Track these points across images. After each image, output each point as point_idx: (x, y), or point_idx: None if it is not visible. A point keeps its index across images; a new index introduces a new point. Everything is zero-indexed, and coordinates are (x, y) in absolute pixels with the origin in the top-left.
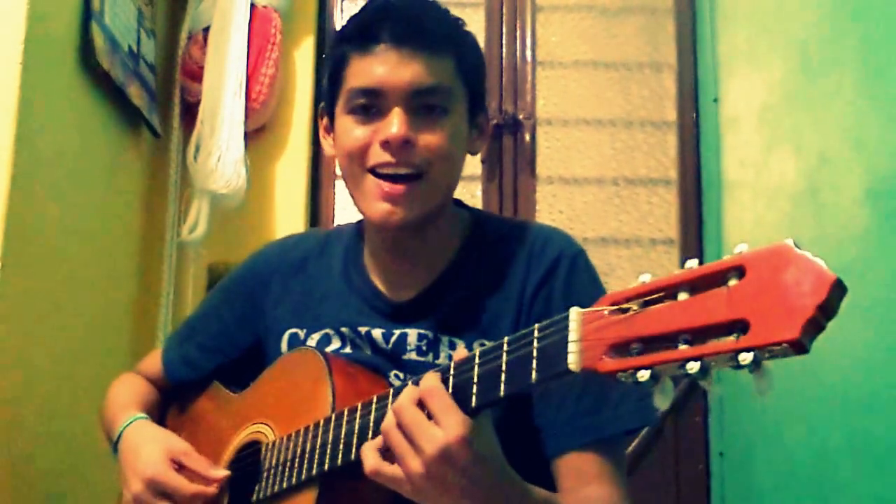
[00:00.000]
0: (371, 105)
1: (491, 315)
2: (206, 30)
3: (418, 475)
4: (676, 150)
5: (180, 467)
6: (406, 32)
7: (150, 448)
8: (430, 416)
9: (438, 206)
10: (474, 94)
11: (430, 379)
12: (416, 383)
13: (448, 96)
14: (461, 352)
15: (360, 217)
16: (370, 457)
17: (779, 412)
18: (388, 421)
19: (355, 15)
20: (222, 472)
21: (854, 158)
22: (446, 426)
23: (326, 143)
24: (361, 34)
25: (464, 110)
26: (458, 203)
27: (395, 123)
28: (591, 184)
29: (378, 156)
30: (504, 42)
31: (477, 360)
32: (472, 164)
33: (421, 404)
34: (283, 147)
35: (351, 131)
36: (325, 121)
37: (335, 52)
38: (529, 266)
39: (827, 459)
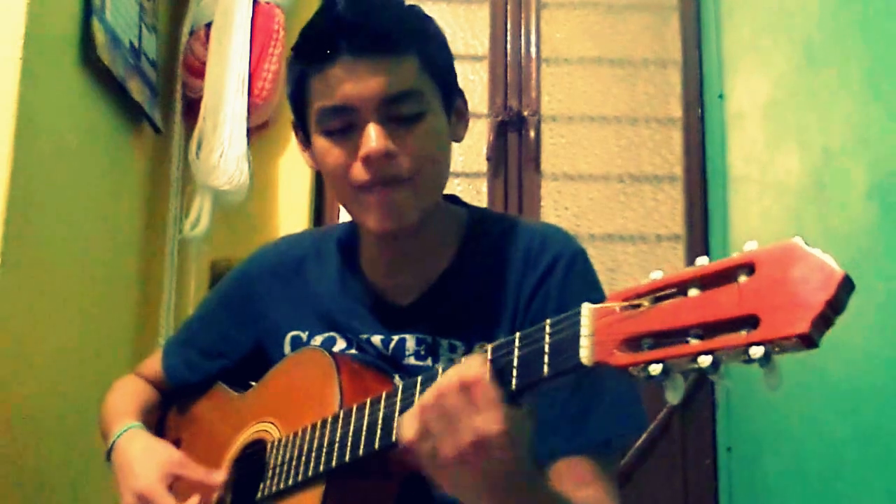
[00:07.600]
0: (343, 123)
1: (489, 316)
2: (209, 25)
3: (449, 458)
4: (682, 147)
5: (177, 479)
6: (363, 41)
7: (144, 460)
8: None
9: (433, 204)
10: (446, 84)
11: (476, 367)
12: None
13: (420, 98)
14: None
15: None
16: (408, 426)
17: (786, 407)
18: (428, 399)
19: (307, 28)
20: (221, 476)
21: (859, 153)
22: (489, 419)
23: (306, 157)
24: (317, 50)
25: (439, 105)
26: (455, 200)
27: (372, 139)
28: (597, 180)
29: (362, 174)
30: (509, 38)
31: (489, 356)
32: (478, 162)
33: (464, 390)
34: (286, 143)
35: (329, 152)
36: (300, 135)
37: (293, 70)
38: (527, 266)
39: (835, 454)
